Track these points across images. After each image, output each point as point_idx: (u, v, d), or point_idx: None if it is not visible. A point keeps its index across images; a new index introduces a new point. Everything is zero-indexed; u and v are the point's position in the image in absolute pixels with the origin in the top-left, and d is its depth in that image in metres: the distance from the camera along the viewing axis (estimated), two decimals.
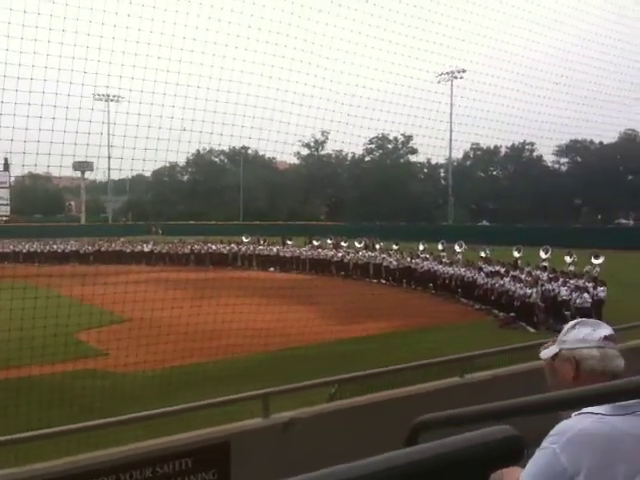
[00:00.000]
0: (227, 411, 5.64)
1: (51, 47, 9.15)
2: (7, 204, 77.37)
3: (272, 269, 38.48)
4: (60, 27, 9.51)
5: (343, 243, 40.36)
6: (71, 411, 9.04)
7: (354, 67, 13.40)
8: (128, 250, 46.00)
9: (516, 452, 1.09)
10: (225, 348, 13.31)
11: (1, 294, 11.24)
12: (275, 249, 40.99)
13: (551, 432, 2.02)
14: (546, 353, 2.36)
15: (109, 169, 52.70)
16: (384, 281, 32.13)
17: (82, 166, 67.72)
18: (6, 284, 12.36)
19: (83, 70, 9.67)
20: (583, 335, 2.23)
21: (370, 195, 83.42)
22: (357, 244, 38.73)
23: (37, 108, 9.49)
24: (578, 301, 19.81)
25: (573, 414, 2.00)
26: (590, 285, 20.63)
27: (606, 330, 2.24)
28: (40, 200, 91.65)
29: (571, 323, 2.35)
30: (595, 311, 19.83)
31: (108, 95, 55.17)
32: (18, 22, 9.06)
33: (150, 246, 46.11)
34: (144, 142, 10.64)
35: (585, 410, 1.96)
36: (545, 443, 2.01)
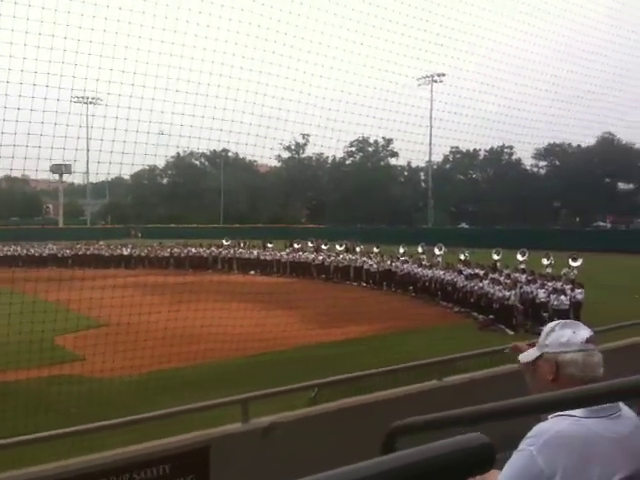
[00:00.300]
0: (205, 417, 5.61)
1: (27, 50, 9.06)
2: None
3: (252, 272, 38.36)
4: (36, 30, 9.41)
5: (324, 246, 40.39)
6: (47, 417, 8.92)
7: (333, 71, 13.42)
8: (107, 254, 45.60)
9: (488, 459, 1.09)
10: (204, 353, 13.23)
11: None
12: (255, 252, 40.86)
13: (528, 434, 2.04)
14: (526, 357, 2.36)
15: (87, 171, 52.29)
16: (365, 284, 32.19)
17: (60, 169, 67.03)
18: None
19: (60, 74, 9.57)
20: (565, 338, 2.23)
21: (351, 198, 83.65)
22: (338, 247, 38.78)
23: (14, 110, 9.38)
24: (556, 303, 20.01)
25: (549, 416, 2.02)
26: (568, 287, 20.85)
27: (586, 332, 2.24)
28: (17, 203, 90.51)
29: (550, 325, 2.34)
30: (573, 313, 20.05)
31: (87, 97, 54.71)
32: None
33: (129, 249, 45.76)
34: (122, 145, 10.55)
35: (561, 412, 1.98)
36: (522, 445, 2.03)
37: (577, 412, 1.99)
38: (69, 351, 15.81)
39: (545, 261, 27.75)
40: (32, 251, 46.31)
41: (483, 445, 1.06)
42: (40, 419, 8.73)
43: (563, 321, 2.37)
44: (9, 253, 46.00)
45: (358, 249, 37.27)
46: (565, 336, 2.23)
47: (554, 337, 2.27)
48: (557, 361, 2.21)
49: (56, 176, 75.65)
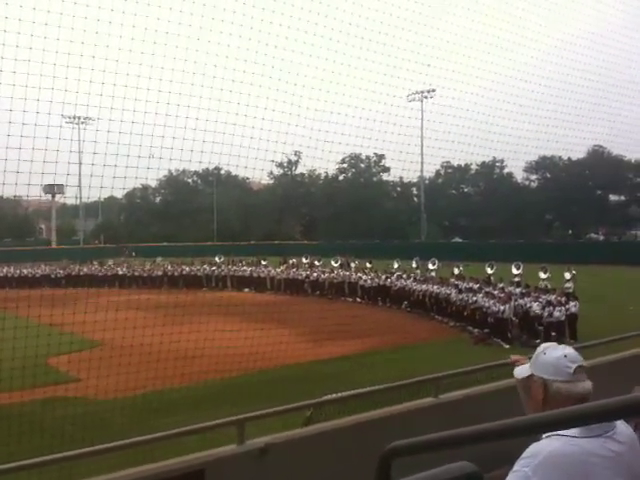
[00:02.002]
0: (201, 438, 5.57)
1: (16, 77, 9.10)
2: None
3: (247, 290, 38.30)
4: (26, 57, 9.44)
5: (317, 262, 40.40)
6: (42, 441, 8.84)
7: (322, 90, 13.50)
8: (100, 273, 45.46)
9: None
10: (199, 372, 13.17)
11: None
12: (249, 270, 40.81)
13: (522, 455, 2.04)
14: (520, 372, 2.37)
15: (80, 192, 52.18)
16: (359, 300, 32.18)
17: (52, 189, 66.98)
18: None
19: (50, 97, 9.59)
20: (554, 365, 2.22)
21: (344, 214, 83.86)
22: (333, 263, 38.80)
23: (4, 129, 9.38)
24: (556, 314, 20.03)
25: (544, 436, 2.02)
26: (563, 300, 20.89)
27: (575, 360, 2.23)
28: (10, 224, 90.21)
29: (543, 347, 2.34)
30: (569, 326, 20.10)
31: (78, 117, 54.84)
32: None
33: (123, 269, 45.64)
34: (114, 163, 10.54)
35: (555, 432, 1.98)
36: (517, 466, 2.04)
37: (571, 431, 1.99)
38: (63, 372, 15.70)
39: (542, 275, 27.82)
40: (25, 272, 46.11)
41: (468, 474, 1.07)
42: (34, 443, 8.66)
43: (556, 345, 2.37)
44: (1, 275, 45.76)
45: (352, 265, 37.30)
46: (555, 362, 2.23)
47: (544, 360, 2.27)
48: (545, 382, 2.22)
49: (49, 196, 75.54)
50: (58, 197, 78.56)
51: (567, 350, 2.29)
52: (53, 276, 45.32)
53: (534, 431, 1.79)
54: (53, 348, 12.76)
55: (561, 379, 2.19)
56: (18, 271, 46.24)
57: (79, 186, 40.34)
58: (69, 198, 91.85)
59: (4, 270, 46.47)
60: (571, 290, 24.31)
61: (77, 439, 8.27)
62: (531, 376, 2.29)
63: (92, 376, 11.79)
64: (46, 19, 9.78)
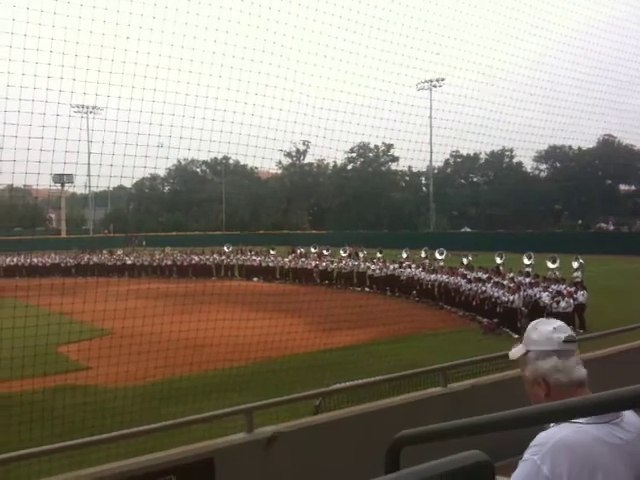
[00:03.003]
0: (210, 426, 5.63)
1: (26, 67, 9.11)
2: None
3: (256, 279, 38.40)
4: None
5: (325, 252, 40.43)
6: (53, 429, 8.93)
7: (331, 79, 13.45)
8: (110, 262, 45.68)
9: (486, 476, 1.10)
10: (208, 362, 13.23)
11: None
12: (258, 259, 40.89)
13: (531, 443, 2.05)
14: (514, 353, 2.42)
15: (89, 181, 52.38)
16: (368, 289, 32.21)
17: (62, 178, 67.24)
18: None
19: (59, 86, 9.60)
20: (545, 336, 2.30)
21: (352, 203, 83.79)
22: (342, 252, 38.81)
23: (14, 119, 9.40)
24: (562, 305, 19.98)
25: (551, 425, 2.03)
26: (572, 290, 20.82)
27: (565, 331, 2.32)
28: (19, 213, 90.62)
29: (532, 323, 2.42)
30: (577, 315, 20.05)
31: (87, 107, 54.96)
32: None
33: (132, 258, 45.85)
34: (123, 152, 10.56)
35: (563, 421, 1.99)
36: (526, 455, 2.05)
37: (579, 419, 2.00)
38: (73, 361, 15.84)
39: (550, 264, 27.72)
40: (35, 261, 46.41)
41: (479, 462, 1.08)
42: (45, 430, 8.74)
43: (543, 319, 2.45)
44: (12, 263, 46.10)
45: (361, 254, 37.30)
46: (546, 334, 2.31)
47: (536, 334, 2.35)
48: (543, 378, 2.24)
49: (58, 186, 75.82)
50: (67, 186, 78.86)
51: (557, 323, 2.38)
52: (63, 265, 45.59)
53: (544, 420, 1.80)
54: (63, 337, 12.84)
55: (551, 349, 2.25)
56: (28, 260, 46.54)
57: (88, 175, 40.46)
58: (78, 187, 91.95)
59: (14, 259, 46.81)
60: (580, 279, 24.22)
61: (87, 427, 8.34)
62: (526, 353, 2.33)
63: (102, 364, 11.87)
64: (54, 7, 9.79)
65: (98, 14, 9.89)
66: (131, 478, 4.42)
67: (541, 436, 2.03)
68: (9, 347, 10.63)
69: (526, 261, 29.66)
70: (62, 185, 76.22)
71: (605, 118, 19.67)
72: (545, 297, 20.66)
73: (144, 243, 64.71)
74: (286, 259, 39.68)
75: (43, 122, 9.32)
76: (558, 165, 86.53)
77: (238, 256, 42.68)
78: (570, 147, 79.46)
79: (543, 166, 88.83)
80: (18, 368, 10.52)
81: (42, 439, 7.01)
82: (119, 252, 48.45)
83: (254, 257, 41.46)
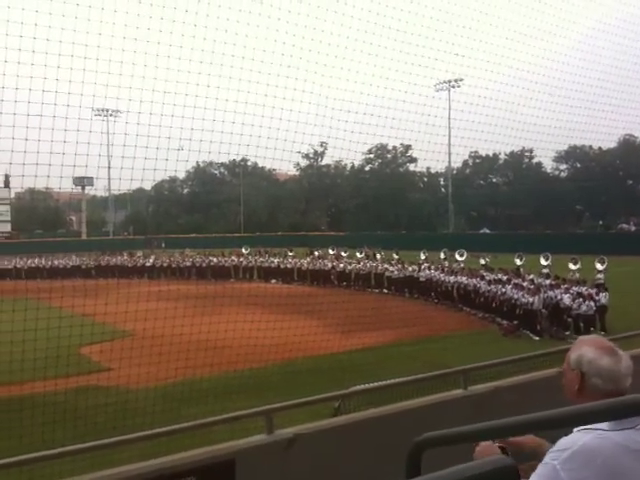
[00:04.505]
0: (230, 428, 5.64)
1: (48, 71, 9.23)
2: (8, 220, 77.61)
3: (274, 281, 38.48)
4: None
5: (343, 253, 40.42)
6: (75, 430, 9.03)
7: (350, 81, 13.44)
8: (130, 264, 46.07)
9: None
10: (228, 363, 13.30)
11: (3, 310, 11.26)
12: (277, 261, 40.99)
13: (552, 448, 2.04)
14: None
15: (109, 184, 52.87)
16: (386, 291, 32.14)
17: (82, 181, 67.93)
18: (8, 300, 12.39)
19: (80, 93, 9.72)
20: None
21: (370, 205, 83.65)
22: (358, 254, 38.77)
23: (36, 122, 9.52)
24: (583, 308, 19.80)
25: (574, 430, 2.02)
26: (593, 291, 20.61)
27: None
28: (41, 216, 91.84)
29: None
30: (599, 318, 19.85)
31: (107, 110, 55.49)
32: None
33: (152, 260, 46.20)
34: (144, 155, 10.64)
35: (585, 426, 1.98)
36: (546, 459, 2.04)
37: (601, 425, 1.99)
38: (95, 362, 16.00)
39: (572, 266, 27.39)
40: (56, 263, 46.95)
41: (504, 468, 1.08)
42: (68, 431, 8.85)
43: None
44: (33, 265, 46.68)
45: (379, 256, 37.22)
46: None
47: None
48: (582, 371, 2.22)
49: (79, 188, 76.66)
50: (88, 189, 79.72)
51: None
52: (84, 267, 46.07)
53: (568, 424, 1.79)
54: (85, 338, 13.02)
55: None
56: (49, 262, 47.10)
57: (108, 178, 40.85)
58: (98, 190, 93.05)
59: (35, 261, 47.40)
60: (602, 281, 23.94)
61: (109, 428, 8.42)
62: (570, 362, 2.30)
63: (123, 365, 11.98)
64: (76, 11, 9.90)
65: (119, 18, 10.00)
66: (152, 479, 4.45)
67: (562, 441, 2.02)
68: (32, 348, 10.78)
69: (543, 262, 29.39)
70: (83, 188, 77.04)
71: (626, 118, 19.44)
72: (566, 299, 20.46)
73: (163, 245, 65.16)
74: (304, 261, 39.74)
75: (65, 126, 9.44)
76: (578, 165, 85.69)
77: (256, 258, 42.83)
78: (590, 147, 78.65)
79: (563, 166, 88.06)
80: (41, 369, 10.66)
81: (64, 440, 7.08)
82: (139, 254, 48.84)
83: (272, 259, 41.57)
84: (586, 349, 2.27)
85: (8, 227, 77.44)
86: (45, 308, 13.07)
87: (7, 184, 68.50)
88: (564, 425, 1.84)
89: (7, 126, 8.92)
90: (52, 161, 9.81)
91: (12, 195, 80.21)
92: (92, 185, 73.06)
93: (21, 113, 9.13)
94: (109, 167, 14.28)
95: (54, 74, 9.39)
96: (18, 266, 46.50)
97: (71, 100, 9.83)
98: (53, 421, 9.24)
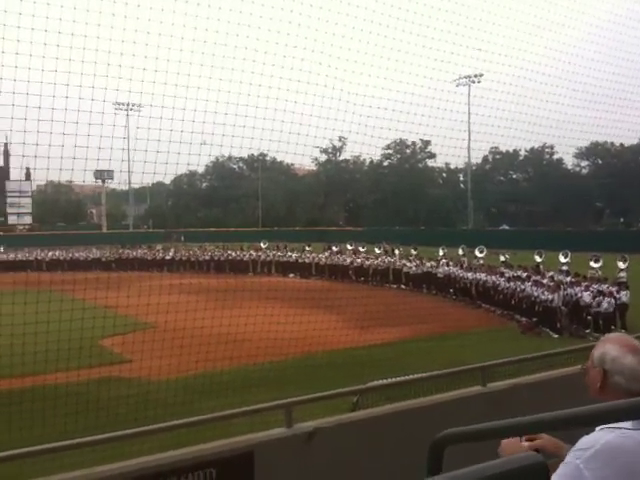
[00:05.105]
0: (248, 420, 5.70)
1: (72, 65, 9.32)
2: (29, 213, 78.60)
3: (292, 275, 38.58)
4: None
5: (361, 248, 40.39)
6: (97, 420, 9.15)
7: (371, 76, 13.41)
8: (149, 257, 46.42)
9: (541, 478, 1.11)
10: (247, 356, 13.38)
11: (28, 301, 11.42)
12: (294, 255, 41.09)
13: (575, 447, 2.04)
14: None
15: (129, 177, 53.30)
16: (404, 286, 32.06)
17: (103, 174, 68.56)
18: (32, 291, 12.56)
19: (104, 87, 9.83)
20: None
21: (389, 200, 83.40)
22: (377, 250, 38.72)
23: (60, 115, 9.63)
24: (604, 305, 19.61)
25: (597, 428, 2.02)
26: (614, 289, 20.40)
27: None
28: (62, 208, 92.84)
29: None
30: (619, 316, 19.65)
31: (127, 104, 55.85)
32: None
33: (171, 253, 46.51)
34: (164, 149, 10.73)
35: (608, 425, 1.98)
36: (569, 458, 2.03)
37: (625, 424, 1.98)
38: (117, 353, 16.18)
39: (594, 264, 27.08)
40: (77, 255, 47.45)
41: (534, 464, 1.10)
42: (89, 421, 8.98)
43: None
44: (54, 257, 47.23)
45: (397, 251, 37.14)
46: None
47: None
48: (605, 369, 2.21)
49: (99, 182, 77.39)
50: (108, 182, 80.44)
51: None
52: (104, 260, 46.48)
53: (590, 423, 1.79)
54: (108, 330, 13.15)
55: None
56: (70, 254, 47.63)
57: (129, 172, 41.18)
58: (118, 184, 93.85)
59: (56, 253, 47.96)
60: (624, 279, 23.67)
61: (130, 419, 8.53)
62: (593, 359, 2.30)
63: (145, 357, 12.10)
64: (100, 7, 10.00)
65: (143, 13, 10.07)
66: (173, 470, 4.50)
67: (585, 440, 2.01)
68: (56, 339, 10.93)
69: (562, 259, 29.12)
70: (103, 181, 77.76)
71: None
72: (586, 297, 20.28)
73: (182, 239, 65.56)
74: (322, 255, 39.80)
75: (90, 120, 9.54)
76: (600, 162, 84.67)
77: (274, 252, 42.96)
78: (612, 143, 77.70)
79: (584, 163, 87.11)
80: (64, 360, 10.81)
81: (86, 430, 7.18)
82: (158, 247, 49.21)
83: (290, 253, 41.68)
84: (610, 347, 2.26)
85: (29, 219, 78.43)
86: (68, 300, 13.22)
87: (28, 177, 69.23)
88: (586, 423, 1.85)
89: (32, 119, 9.04)
90: (72, 154, 9.93)
91: (33, 188, 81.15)
92: (112, 178, 73.91)
93: (46, 107, 9.26)
94: (129, 159, 14.40)
95: (79, 68, 9.50)
96: (39, 258, 47.08)
97: (95, 94, 9.95)
98: (76, 412, 9.37)
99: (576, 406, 1.73)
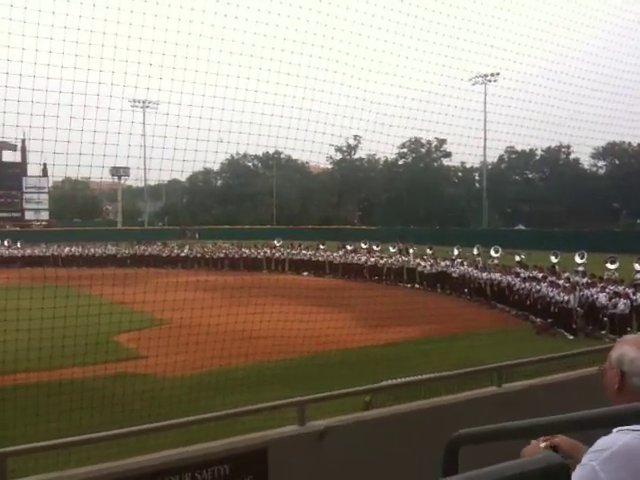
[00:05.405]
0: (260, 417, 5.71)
1: (91, 62, 9.39)
2: (46, 209, 79.28)
3: (306, 273, 38.62)
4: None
5: (375, 247, 40.34)
6: (112, 415, 9.22)
7: (388, 74, 13.37)
8: (164, 254, 46.68)
9: (562, 478, 1.11)
10: (261, 353, 13.44)
11: (46, 296, 11.52)
12: (308, 254, 41.13)
13: (591, 448, 2.02)
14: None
15: (145, 174, 53.62)
16: (418, 286, 31.99)
17: (119, 171, 69.04)
18: (50, 286, 12.68)
19: (123, 84, 9.89)
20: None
21: (403, 199, 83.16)
22: (391, 249, 38.67)
23: (80, 112, 9.71)
24: (620, 306, 19.45)
25: (614, 430, 2.00)
26: (630, 291, 20.22)
27: None
28: (78, 205, 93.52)
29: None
30: (635, 318, 19.49)
31: (143, 101, 56.17)
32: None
33: (186, 250, 46.75)
34: (181, 147, 10.77)
35: (625, 427, 1.97)
36: (585, 460, 2.02)
37: None
38: (132, 349, 16.29)
39: (610, 265, 26.85)
40: (92, 251, 47.81)
41: (557, 465, 1.10)
42: (105, 416, 9.05)
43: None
44: (70, 253, 47.63)
45: (411, 251, 37.05)
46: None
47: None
48: (622, 370, 2.20)
49: (115, 179, 77.93)
50: (124, 179, 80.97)
51: None
52: (119, 256, 46.79)
53: (606, 425, 1.79)
54: (124, 325, 13.24)
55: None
56: (86, 250, 48.00)
57: (144, 169, 41.44)
58: (135, 180, 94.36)
59: (72, 249, 48.36)
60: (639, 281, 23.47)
61: (145, 415, 8.58)
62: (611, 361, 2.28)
63: (160, 354, 12.18)
64: (119, 3, 10.06)
65: (161, 10, 10.12)
66: (185, 467, 4.52)
67: (601, 441, 1.99)
68: (73, 334, 11.03)
69: (578, 260, 28.90)
70: (119, 178, 78.31)
71: None
72: (602, 298, 20.12)
73: (197, 236, 65.86)
74: (336, 254, 39.80)
75: (108, 116, 9.62)
76: (617, 162, 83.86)
77: (288, 250, 43.04)
78: (629, 144, 76.97)
79: (601, 163, 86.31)
80: (81, 355, 10.91)
81: (101, 425, 7.24)
82: (172, 244, 49.48)
83: (304, 251, 41.73)
84: (628, 348, 2.25)
85: (46, 215, 79.11)
86: (85, 296, 13.34)
87: (45, 173, 69.85)
88: (603, 425, 1.84)
89: (51, 116, 9.12)
90: (89, 151, 10.00)
91: (50, 184, 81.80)
92: (128, 175, 74.45)
93: (65, 104, 9.34)
94: (145, 156, 14.49)
95: (97, 65, 9.58)
96: (55, 254, 47.51)
97: (114, 91, 10.02)
98: (91, 407, 9.46)
99: (592, 407, 1.72)
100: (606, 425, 1.84)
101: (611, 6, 17.65)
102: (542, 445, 2.29)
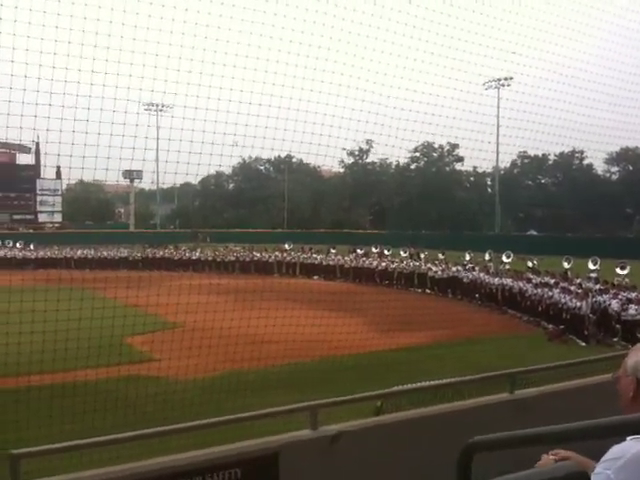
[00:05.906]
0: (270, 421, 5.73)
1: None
2: (59, 211, 79.78)
3: (316, 277, 38.62)
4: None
5: (386, 252, 40.26)
6: (125, 418, 9.27)
7: (401, 70, 13.34)
8: (176, 257, 46.84)
9: None
10: (274, 357, 13.44)
11: (61, 298, 11.60)
12: (319, 257, 41.15)
13: (604, 457, 2.02)
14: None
15: (157, 177, 53.84)
16: (429, 291, 31.90)
17: (131, 174, 69.30)
18: (65, 289, 12.76)
19: (139, 87, 9.96)
20: None
21: (415, 203, 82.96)
22: (402, 253, 38.58)
23: (96, 115, 9.78)
24: (632, 313, 19.32)
25: (628, 438, 2.01)
26: None
27: None
28: (91, 207, 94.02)
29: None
30: None
31: (156, 104, 56.39)
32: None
33: (197, 253, 46.90)
34: (195, 150, 10.82)
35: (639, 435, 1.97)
36: (599, 468, 2.02)
37: None
38: (145, 352, 16.36)
39: (620, 271, 26.66)
40: (105, 254, 48.06)
41: (579, 474, 1.11)
42: (117, 419, 9.10)
43: None
44: (83, 256, 47.91)
45: (422, 255, 36.96)
46: None
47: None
48: (638, 378, 2.20)
49: (128, 181, 78.23)
50: (137, 182, 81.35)
51: None
52: (131, 259, 47.01)
53: (621, 432, 1.79)
54: (137, 328, 13.28)
55: None
56: (98, 253, 48.27)
57: (157, 172, 41.61)
58: (149, 183, 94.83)
59: (85, 251, 48.64)
60: None
61: (158, 418, 8.62)
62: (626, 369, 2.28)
63: (173, 357, 12.23)
64: (137, 8, 10.13)
65: (178, 15, 10.18)
66: (197, 470, 4.54)
67: (615, 449, 2.00)
68: (87, 337, 11.10)
69: (591, 266, 28.67)
70: (131, 181, 78.64)
71: None
72: (615, 304, 19.99)
73: (208, 239, 66.01)
74: (347, 258, 39.79)
75: (125, 120, 9.68)
76: (630, 168, 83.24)
77: (299, 254, 43.07)
78: None
79: (614, 169, 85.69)
80: (94, 357, 10.98)
81: (112, 428, 7.28)
82: (183, 247, 49.64)
83: (315, 255, 41.76)
84: None
85: (59, 217, 79.63)
86: (100, 298, 13.41)
87: (59, 175, 70.28)
88: (616, 433, 1.84)
89: (68, 119, 9.19)
90: (103, 154, 10.07)
91: (64, 187, 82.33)
92: (141, 178, 74.71)
93: (82, 106, 9.42)
94: (157, 159, 14.57)
95: (115, 68, 9.65)
96: (68, 256, 47.81)
97: (130, 94, 10.09)
98: (104, 409, 9.51)
99: (605, 415, 1.72)
100: (620, 433, 1.85)
101: (626, 10, 17.53)
102: (552, 458, 2.30)
